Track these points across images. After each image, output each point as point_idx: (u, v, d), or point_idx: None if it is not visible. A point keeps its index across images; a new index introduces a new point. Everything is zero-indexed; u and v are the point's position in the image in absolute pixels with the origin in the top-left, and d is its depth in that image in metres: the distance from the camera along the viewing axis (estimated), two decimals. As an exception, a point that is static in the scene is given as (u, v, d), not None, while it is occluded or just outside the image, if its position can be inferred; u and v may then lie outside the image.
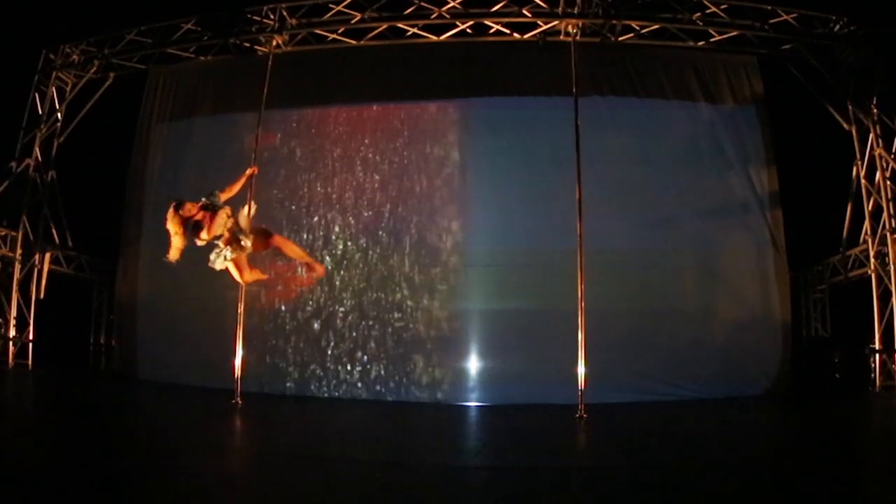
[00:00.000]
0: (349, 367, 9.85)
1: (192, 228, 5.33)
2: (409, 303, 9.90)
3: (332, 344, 9.94)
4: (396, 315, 9.90)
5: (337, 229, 10.16)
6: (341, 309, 10.01)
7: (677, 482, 4.43)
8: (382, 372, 9.81)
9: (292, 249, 6.49)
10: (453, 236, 9.98)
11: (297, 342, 10.04)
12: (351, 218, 10.16)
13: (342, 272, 10.07)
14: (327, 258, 10.05)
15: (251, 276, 5.97)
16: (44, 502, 3.63)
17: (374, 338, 9.88)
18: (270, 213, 10.13)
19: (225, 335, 9.17)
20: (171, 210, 5.29)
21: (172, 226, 5.28)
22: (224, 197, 5.63)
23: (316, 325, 10.03)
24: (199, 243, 5.43)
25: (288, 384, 9.92)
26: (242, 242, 5.60)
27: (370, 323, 9.91)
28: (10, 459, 4.56)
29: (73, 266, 12.32)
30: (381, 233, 10.06)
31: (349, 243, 10.12)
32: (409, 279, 9.92)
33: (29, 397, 9.19)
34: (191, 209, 5.30)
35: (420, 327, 9.83)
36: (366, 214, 10.13)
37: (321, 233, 10.19)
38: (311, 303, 10.08)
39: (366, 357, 9.86)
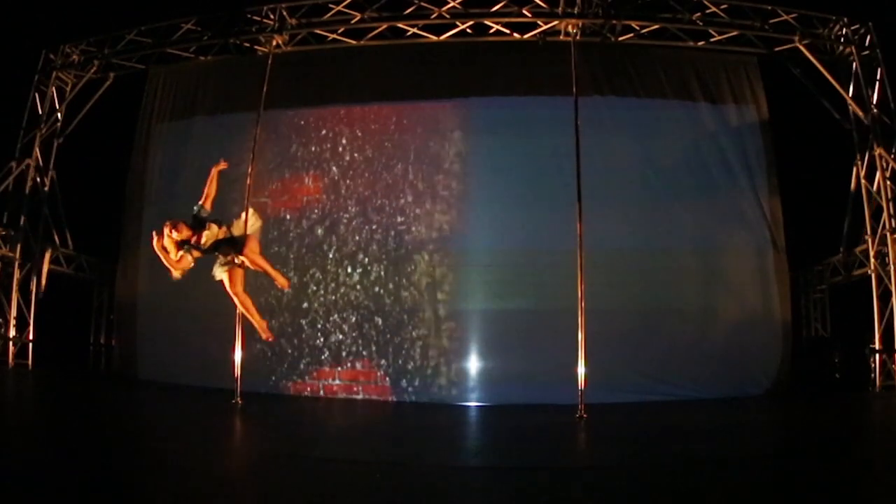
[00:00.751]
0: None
1: (186, 246, 5.41)
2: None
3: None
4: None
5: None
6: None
7: (677, 482, 4.43)
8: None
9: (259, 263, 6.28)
10: (453, 236, 10.00)
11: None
12: (344, 226, 10.19)
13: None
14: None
15: (244, 295, 5.96)
16: (44, 502, 3.63)
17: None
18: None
19: (225, 335, 9.16)
20: (165, 231, 5.35)
21: (169, 245, 5.35)
22: (208, 205, 5.67)
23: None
24: (196, 255, 5.48)
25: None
26: (235, 258, 5.63)
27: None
28: (10, 459, 4.56)
29: (73, 266, 12.32)
30: (376, 247, 10.06)
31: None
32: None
33: (29, 397, 9.18)
34: (183, 230, 5.36)
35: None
36: (367, 226, 10.15)
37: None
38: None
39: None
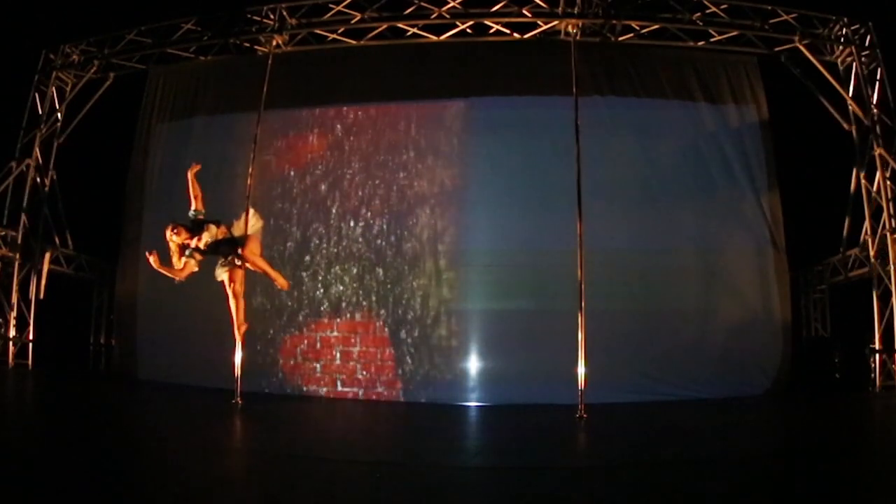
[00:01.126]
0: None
1: (188, 251, 5.48)
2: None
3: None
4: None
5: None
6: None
7: (677, 482, 4.43)
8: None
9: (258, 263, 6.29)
10: (453, 236, 10.00)
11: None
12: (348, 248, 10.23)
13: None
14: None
15: (241, 296, 5.98)
16: (44, 502, 3.63)
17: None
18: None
19: (225, 335, 9.16)
20: (167, 233, 5.41)
21: (173, 248, 5.41)
22: (200, 206, 5.71)
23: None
24: (199, 258, 5.53)
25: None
26: (235, 259, 5.66)
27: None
28: (10, 459, 4.56)
29: (73, 266, 12.32)
30: (382, 255, 10.09)
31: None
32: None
33: (29, 397, 9.18)
34: (182, 232, 5.43)
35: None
36: (360, 225, 10.17)
37: None
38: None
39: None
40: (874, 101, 10.08)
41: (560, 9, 10.09)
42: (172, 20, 11.00)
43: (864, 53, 10.16)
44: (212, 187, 10.70)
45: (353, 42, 10.81)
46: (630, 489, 4.30)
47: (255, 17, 10.70)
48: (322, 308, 10.05)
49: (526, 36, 10.47)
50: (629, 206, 9.73)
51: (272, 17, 10.61)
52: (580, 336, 8.11)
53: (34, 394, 9.52)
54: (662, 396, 9.18)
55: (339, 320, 10.00)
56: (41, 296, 11.44)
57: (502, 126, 10.05)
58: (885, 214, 9.80)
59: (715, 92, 10.30)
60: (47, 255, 11.58)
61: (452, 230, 10.01)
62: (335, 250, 10.10)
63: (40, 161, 11.62)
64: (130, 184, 11.41)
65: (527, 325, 9.42)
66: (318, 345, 10.01)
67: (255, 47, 10.98)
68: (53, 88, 11.69)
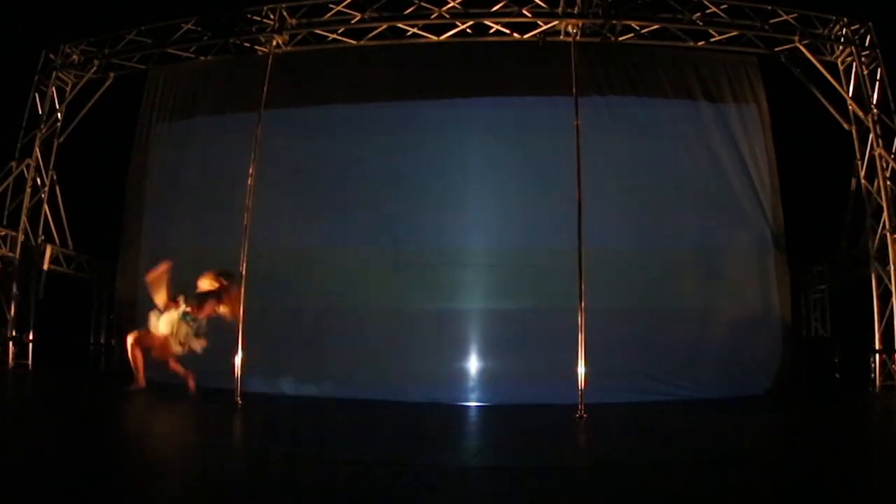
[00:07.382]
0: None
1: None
2: None
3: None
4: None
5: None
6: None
7: (677, 482, 4.42)
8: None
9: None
10: (452, 236, 10.00)
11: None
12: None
13: None
14: None
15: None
16: (43, 502, 3.62)
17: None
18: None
19: (225, 335, 9.16)
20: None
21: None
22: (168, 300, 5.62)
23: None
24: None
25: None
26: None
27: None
28: (10, 459, 4.56)
29: (73, 266, 12.32)
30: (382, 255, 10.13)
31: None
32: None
33: (29, 397, 9.18)
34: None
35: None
36: (359, 224, 10.20)
37: None
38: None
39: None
40: (874, 101, 10.09)
41: (560, 9, 10.09)
42: (172, 20, 11.01)
43: (864, 53, 10.17)
44: (212, 188, 10.81)
45: (353, 42, 10.81)
46: (630, 489, 4.29)
47: (255, 17, 10.69)
48: (322, 308, 10.04)
49: (526, 36, 10.47)
50: (629, 206, 9.75)
51: (272, 17, 10.61)
52: (580, 336, 8.11)
53: (34, 394, 9.52)
54: (662, 396, 9.19)
55: (338, 320, 9.98)
56: (41, 296, 11.44)
57: (502, 126, 10.05)
58: (884, 214, 9.81)
59: (715, 91, 10.32)
60: (47, 256, 11.58)
61: (452, 230, 10.01)
62: (334, 249, 10.10)
63: (40, 161, 11.62)
64: (130, 184, 11.42)
65: (527, 325, 9.42)
66: (319, 345, 9.99)
67: (256, 47, 10.98)
68: (53, 88, 11.69)
